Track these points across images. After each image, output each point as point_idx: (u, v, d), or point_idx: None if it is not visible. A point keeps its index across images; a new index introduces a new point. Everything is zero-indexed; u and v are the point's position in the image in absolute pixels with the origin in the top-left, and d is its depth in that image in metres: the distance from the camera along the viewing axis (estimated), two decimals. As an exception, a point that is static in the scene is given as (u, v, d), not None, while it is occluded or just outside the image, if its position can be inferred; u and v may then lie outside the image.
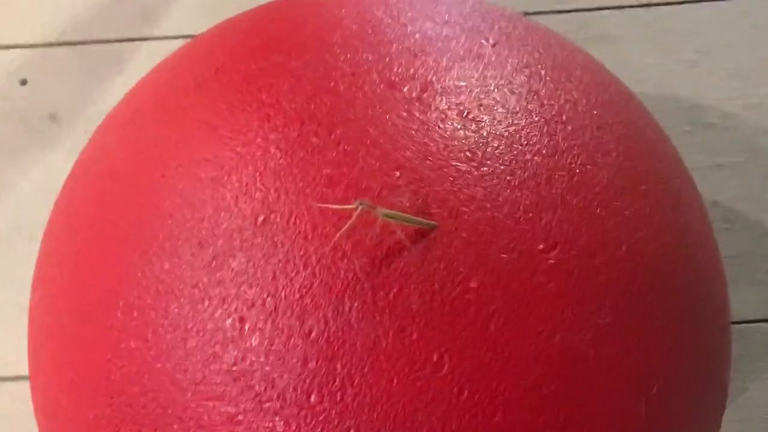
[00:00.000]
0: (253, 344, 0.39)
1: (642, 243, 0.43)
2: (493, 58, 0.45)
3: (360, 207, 0.38)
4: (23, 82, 0.94)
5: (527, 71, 0.45)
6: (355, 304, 0.38)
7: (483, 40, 0.46)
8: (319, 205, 0.39)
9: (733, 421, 0.76)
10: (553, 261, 0.40)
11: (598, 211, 0.42)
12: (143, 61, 0.96)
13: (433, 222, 0.39)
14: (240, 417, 0.39)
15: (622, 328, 0.41)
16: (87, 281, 0.44)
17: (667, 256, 0.44)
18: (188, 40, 0.53)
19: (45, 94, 0.93)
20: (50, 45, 0.96)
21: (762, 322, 0.81)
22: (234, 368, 0.39)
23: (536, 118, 0.43)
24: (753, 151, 0.87)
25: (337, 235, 0.38)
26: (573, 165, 0.42)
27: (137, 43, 0.97)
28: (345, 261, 0.39)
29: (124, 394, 0.42)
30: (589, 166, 0.43)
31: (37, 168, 0.90)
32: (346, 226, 0.38)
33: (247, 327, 0.39)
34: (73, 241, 0.46)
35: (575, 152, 0.43)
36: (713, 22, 0.95)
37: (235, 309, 0.39)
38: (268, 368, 0.39)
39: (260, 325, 0.39)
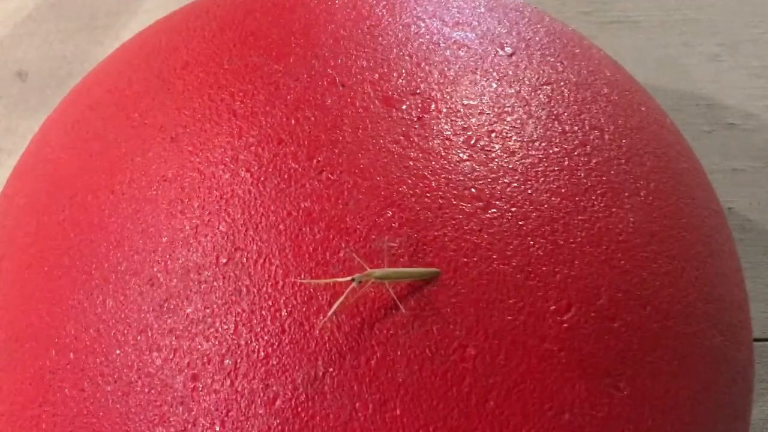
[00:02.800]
0: (207, 408, 0.33)
1: (668, 302, 0.37)
2: (510, 72, 0.38)
3: (355, 282, 0.31)
4: (-9, 36, 0.87)
5: (548, 89, 0.38)
6: (330, 370, 0.32)
7: (498, 48, 0.39)
8: (303, 281, 0.32)
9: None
10: (566, 325, 0.34)
11: (621, 263, 0.36)
12: (125, 21, 0.88)
13: (434, 270, 0.33)
14: (188, 491, 0.33)
15: (640, 402, 0.35)
16: (19, 309, 0.37)
17: (695, 317, 0.38)
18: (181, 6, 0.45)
19: (14, 50, 0.86)
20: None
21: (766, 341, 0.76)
22: (183, 434, 0.33)
23: (556, 149, 0.36)
24: (772, 157, 0.81)
25: (326, 317, 0.32)
26: (596, 207, 0.36)
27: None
28: (321, 317, 0.32)
29: (56, 446, 0.36)
30: (614, 209, 0.36)
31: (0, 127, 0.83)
32: (336, 304, 0.32)
33: (200, 387, 0.33)
34: (5, 259, 0.39)
35: (599, 191, 0.36)
36: (739, 14, 0.88)
37: (188, 364, 0.33)
38: (223, 437, 0.33)
39: (216, 386, 0.33)
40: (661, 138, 0.41)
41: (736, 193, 0.80)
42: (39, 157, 0.41)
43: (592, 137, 0.38)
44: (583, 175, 0.36)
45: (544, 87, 0.38)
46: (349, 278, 0.32)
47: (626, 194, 0.37)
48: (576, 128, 0.38)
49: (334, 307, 0.32)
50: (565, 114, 0.38)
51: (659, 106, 0.46)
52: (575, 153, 0.37)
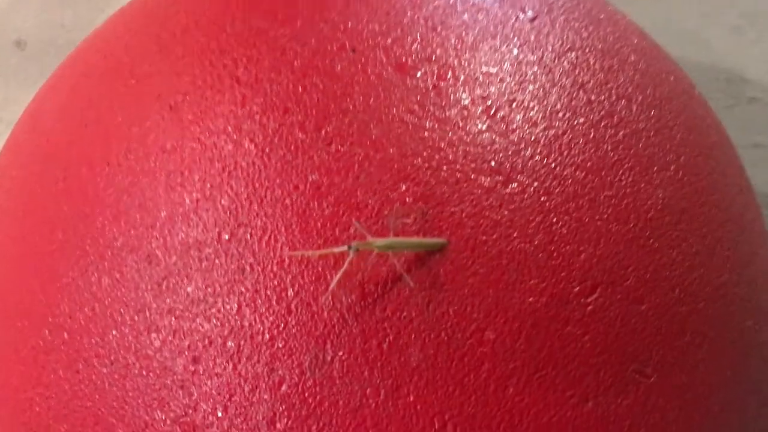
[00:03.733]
0: (209, 392, 0.31)
1: (698, 284, 0.34)
2: (532, 38, 0.36)
3: (352, 251, 0.29)
4: (-13, 4, 0.85)
5: (572, 56, 0.36)
6: (340, 353, 0.30)
7: (520, 12, 0.37)
8: (293, 253, 0.30)
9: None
10: (591, 307, 0.32)
11: (650, 242, 0.33)
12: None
13: (441, 240, 0.31)
14: (188, 480, 0.31)
15: (667, 390, 0.33)
16: (10, 286, 0.36)
17: (726, 299, 0.36)
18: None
19: (12, 19, 0.84)
20: (19, -39, 0.86)
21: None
22: (183, 419, 0.31)
23: (581, 120, 0.34)
24: (795, 132, 0.78)
25: (328, 291, 0.30)
26: (623, 182, 0.34)
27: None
28: (330, 297, 0.30)
29: (50, 430, 0.34)
30: (642, 184, 0.34)
31: (-3, 98, 0.81)
32: (337, 276, 0.30)
33: (201, 370, 0.31)
34: (-3, 234, 0.37)
35: (627, 166, 0.34)
36: (762, -16, 0.85)
37: (188, 346, 0.31)
38: (225, 424, 0.31)
39: (218, 369, 0.31)
40: (691, 109, 0.39)
41: (757, 169, 0.77)
42: (33, 127, 0.39)
43: (619, 108, 0.35)
44: (609, 148, 0.34)
45: (568, 54, 0.36)
46: (345, 247, 0.30)
47: (655, 168, 0.35)
48: (602, 98, 0.35)
49: (336, 278, 0.30)
50: (591, 83, 0.35)
51: (687, 75, 0.43)
52: (602, 124, 0.34)
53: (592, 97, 0.35)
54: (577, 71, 0.35)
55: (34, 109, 0.41)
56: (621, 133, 0.35)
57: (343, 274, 0.30)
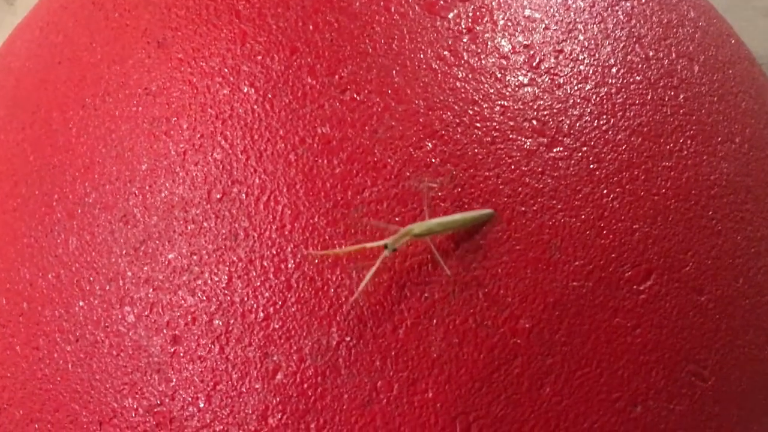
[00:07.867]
0: (189, 378, 0.26)
1: (763, 274, 0.30)
2: (581, -18, 0.31)
3: (389, 251, 0.24)
4: (-24, -44, 0.80)
5: (628, 6, 0.31)
6: (347, 339, 0.25)
7: (567, -46, 0.32)
8: (315, 252, 0.25)
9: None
10: (644, 296, 0.27)
11: (713, 223, 0.29)
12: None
13: (487, 210, 0.26)
14: (162, 480, 0.26)
15: (726, 395, 0.28)
16: (-34, 247, 0.31)
17: (792, 293, 0.31)
18: None
19: (1, -28, 0.79)
20: None
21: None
22: (157, 409, 0.26)
23: (638, 78, 0.29)
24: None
25: (356, 293, 0.25)
26: (684, 153, 0.29)
27: None
28: (337, 271, 0.26)
29: (3, 413, 0.29)
30: (705, 156, 0.29)
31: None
32: (367, 277, 0.25)
33: (182, 351, 0.26)
34: (-47, 186, 0.32)
35: (688, 134, 0.29)
36: (799, -35, 0.80)
37: (167, 323, 0.26)
38: (208, 417, 0.26)
39: (201, 351, 0.26)
40: (754, 77, 0.34)
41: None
42: (1, 66, 0.34)
43: (679, 67, 0.30)
44: (669, 111, 0.29)
45: (623, 3, 0.31)
46: (381, 243, 0.25)
47: (719, 139, 0.30)
48: (661, 55, 0.30)
49: (365, 280, 0.25)
50: (648, 36, 0.30)
51: (743, 43, 0.38)
52: (660, 84, 0.29)
53: (650, 53, 0.30)
54: (633, 22, 0.30)
55: (4, 50, 0.36)
56: (682, 96, 0.30)
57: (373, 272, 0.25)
